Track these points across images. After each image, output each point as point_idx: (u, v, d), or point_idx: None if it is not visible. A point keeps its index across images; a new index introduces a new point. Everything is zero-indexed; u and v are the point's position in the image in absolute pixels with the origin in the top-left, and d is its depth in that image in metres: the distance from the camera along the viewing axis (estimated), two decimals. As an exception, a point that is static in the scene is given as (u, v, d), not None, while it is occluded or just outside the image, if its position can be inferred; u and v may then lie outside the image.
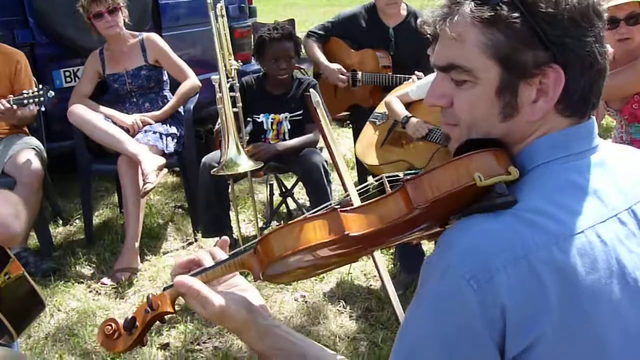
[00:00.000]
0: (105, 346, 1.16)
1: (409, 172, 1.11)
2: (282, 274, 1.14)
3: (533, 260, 0.91)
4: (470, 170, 0.98)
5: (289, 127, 3.70)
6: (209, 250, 1.20)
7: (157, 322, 1.16)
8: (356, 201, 1.21)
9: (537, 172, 1.01)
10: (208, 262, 1.16)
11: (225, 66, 3.37)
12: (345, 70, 4.16)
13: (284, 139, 3.68)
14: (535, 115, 1.01)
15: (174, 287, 1.11)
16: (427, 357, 0.96)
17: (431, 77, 3.34)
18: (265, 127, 3.69)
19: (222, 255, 1.18)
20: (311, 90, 1.55)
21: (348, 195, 1.24)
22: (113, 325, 1.15)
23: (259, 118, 3.68)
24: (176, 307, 1.15)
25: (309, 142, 3.64)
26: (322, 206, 1.13)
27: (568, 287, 0.92)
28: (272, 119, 3.69)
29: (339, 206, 1.06)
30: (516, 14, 0.97)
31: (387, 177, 1.16)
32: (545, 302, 0.91)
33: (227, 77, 3.35)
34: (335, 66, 4.16)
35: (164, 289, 1.15)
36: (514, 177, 0.98)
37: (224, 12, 3.45)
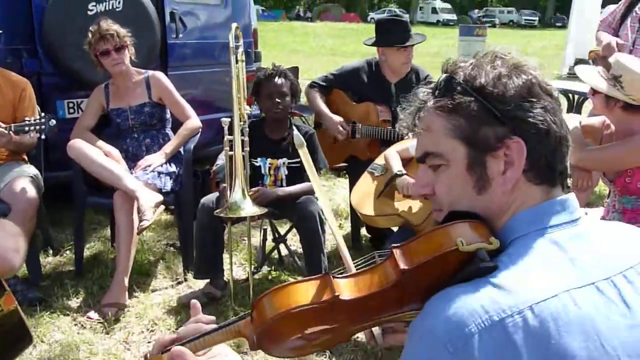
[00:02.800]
0: None
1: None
2: (276, 344, 1.15)
3: (507, 325, 0.96)
4: (453, 237, 1.05)
5: (287, 173, 3.73)
6: (197, 318, 1.29)
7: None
8: (351, 268, 1.26)
9: (515, 244, 1.09)
10: (205, 329, 1.24)
11: (240, 109, 3.42)
12: (345, 124, 4.21)
13: (282, 186, 3.71)
14: (507, 185, 1.11)
15: (170, 354, 1.20)
16: None
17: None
18: (262, 171, 3.72)
19: (213, 326, 1.25)
20: (294, 132, 1.63)
21: (344, 267, 1.30)
22: None
23: (256, 162, 3.71)
24: None
25: (310, 189, 3.67)
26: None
27: (542, 349, 0.96)
28: (269, 163, 3.72)
29: (330, 272, 1.11)
30: (470, 99, 1.11)
31: (377, 254, 1.22)
32: None
33: (240, 121, 3.40)
34: (337, 118, 4.22)
35: (162, 352, 1.21)
36: (495, 246, 1.06)
37: (243, 57, 3.51)
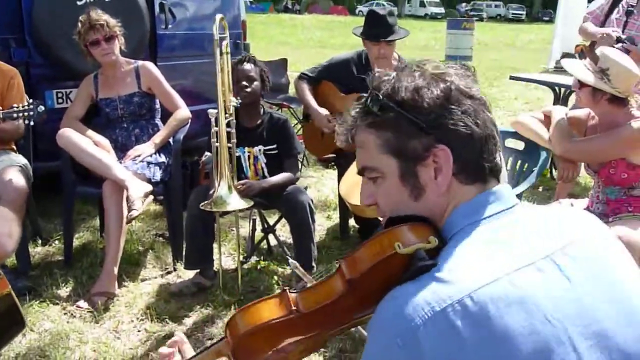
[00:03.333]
0: None
1: None
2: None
3: (448, 314, 1.02)
4: (391, 241, 1.13)
5: (265, 161, 3.76)
6: (177, 340, 1.40)
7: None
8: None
9: (454, 238, 1.16)
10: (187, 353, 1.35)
11: (225, 102, 3.43)
12: (332, 118, 4.21)
13: (264, 175, 3.73)
14: (440, 189, 1.18)
15: None
16: None
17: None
18: (243, 163, 3.74)
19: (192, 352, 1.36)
20: (290, 261, 1.77)
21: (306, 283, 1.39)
22: None
23: (236, 152, 3.72)
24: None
25: (290, 180, 3.69)
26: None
27: (485, 334, 1.02)
28: (248, 152, 3.74)
29: (287, 288, 1.23)
30: (392, 114, 1.18)
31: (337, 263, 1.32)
32: (462, 351, 1.01)
33: (225, 113, 3.40)
34: (323, 111, 4.22)
35: None
36: (433, 245, 1.13)
37: (229, 49, 3.52)
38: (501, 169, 1.23)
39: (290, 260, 1.84)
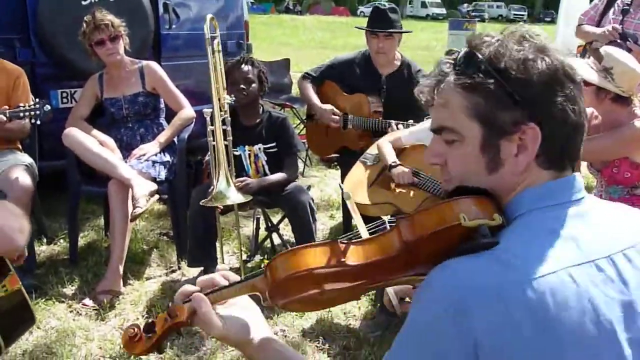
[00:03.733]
0: (126, 347, 1.29)
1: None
2: (289, 301, 1.21)
3: (506, 298, 1.00)
4: (456, 212, 1.09)
5: (266, 159, 3.78)
6: (223, 273, 1.33)
7: (174, 334, 1.27)
8: (364, 235, 1.30)
9: (519, 221, 1.12)
10: (223, 283, 1.29)
11: (219, 100, 3.45)
12: (337, 111, 4.24)
13: (265, 173, 3.75)
14: (518, 168, 1.13)
15: (192, 302, 1.24)
16: None
17: (423, 124, 3.46)
18: (243, 161, 3.76)
19: (236, 277, 1.30)
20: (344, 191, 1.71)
21: (357, 231, 1.35)
22: (135, 329, 1.27)
23: (236, 151, 3.73)
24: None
25: (288, 178, 3.72)
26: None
27: (540, 323, 1.00)
28: (248, 150, 3.77)
29: (339, 238, 1.18)
30: (491, 80, 1.10)
31: (387, 220, 1.27)
32: (517, 338, 1.00)
33: (220, 111, 3.43)
34: (328, 107, 4.25)
35: (184, 302, 1.26)
36: (497, 222, 1.09)
37: (220, 47, 3.54)
38: (579, 159, 1.19)
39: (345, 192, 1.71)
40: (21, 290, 1.73)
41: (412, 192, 3.30)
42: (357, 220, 1.37)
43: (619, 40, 3.99)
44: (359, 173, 3.60)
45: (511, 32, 1.15)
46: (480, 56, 1.11)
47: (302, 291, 1.17)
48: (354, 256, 1.13)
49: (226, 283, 1.28)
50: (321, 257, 1.13)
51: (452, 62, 1.16)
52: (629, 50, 3.92)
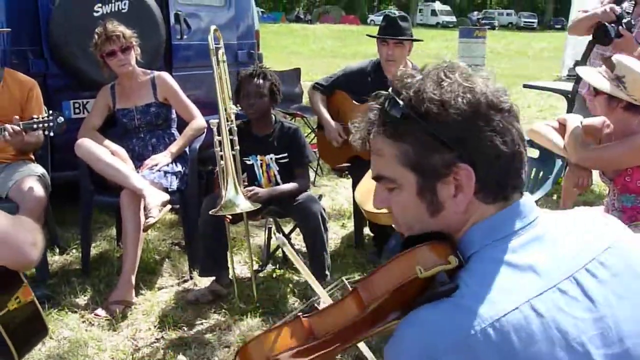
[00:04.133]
0: None
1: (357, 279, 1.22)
2: None
3: (472, 344, 0.99)
4: (412, 265, 1.09)
5: (278, 169, 3.78)
6: None
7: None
8: (327, 301, 1.32)
9: (473, 259, 1.10)
10: None
11: (225, 109, 3.46)
12: (342, 133, 4.23)
13: (277, 182, 3.76)
14: (459, 208, 1.12)
15: None
16: None
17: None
18: (256, 171, 3.77)
19: None
20: (277, 235, 1.73)
21: (318, 298, 1.35)
22: None
23: (248, 161, 3.74)
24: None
25: (299, 189, 3.71)
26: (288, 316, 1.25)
27: None
28: (260, 160, 3.77)
29: (300, 313, 1.19)
30: (414, 126, 1.10)
31: (346, 279, 1.30)
32: None
33: (227, 121, 3.44)
34: (336, 125, 4.25)
35: None
36: (453, 265, 1.09)
37: (224, 57, 3.56)
38: (524, 183, 1.17)
39: (277, 235, 1.77)
40: (34, 302, 1.74)
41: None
42: (313, 284, 1.39)
43: (612, 25, 3.94)
44: (370, 181, 3.58)
45: (429, 72, 1.13)
46: (401, 102, 1.10)
47: None
48: (320, 328, 1.15)
49: None
50: (289, 337, 1.15)
51: (379, 107, 1.15)
52: (619, 35, 3.90)
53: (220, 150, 3.40)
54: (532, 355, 0.99)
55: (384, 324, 1.18)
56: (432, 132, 1.08)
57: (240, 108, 3.71)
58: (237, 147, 3.46)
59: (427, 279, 1.07)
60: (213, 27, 3.60)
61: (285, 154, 3.79)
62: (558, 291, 1.05)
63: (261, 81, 3.71)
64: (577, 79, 4.82)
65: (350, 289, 1.17)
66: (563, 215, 1.24)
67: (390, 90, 1.15)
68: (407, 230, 1.18)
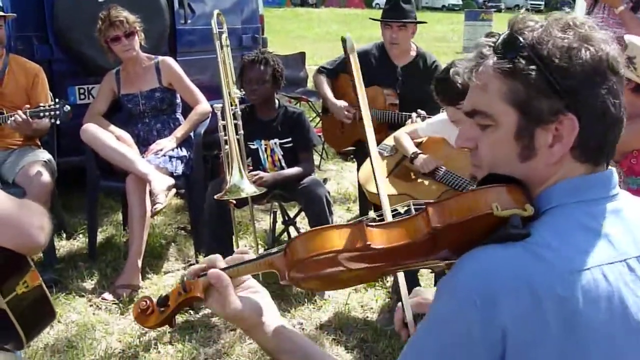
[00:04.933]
0: (138, 320, 1.28)
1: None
2: (306, 279, 1.20)
3: (537, 291, 0.98)
4: (488, 201, 1.05)
5: (282, 153, 3.80)
6: (240, 250, 1.32)
7: (187, 308, 1.25)
8: (388, 217, 1.28)
9: (551, 213, 1.08)
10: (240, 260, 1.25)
11: (229, 94, 3.47)
12: (350, 108, 4.24)
13: (281, 167, 3.77)
14: (551, 159, 1.09)
15: (208, 277, 1.20)
16: None
17: (439, 116, 3.45)
18: (260, 155, 3.78)
19: (251, 256, 1.26)
20: (347, 36, 1.59)
21: (381, 214, 1.31)
22: (148, 302, 1.26)
23: (253, 145, 3.77)
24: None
25: (303, 173, 3.73)
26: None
27: (568, 319, 0.98)
28: (264, 145, 3.79)
29: (366, 219, 1.14)
30: (532, 67, 1.06)
31: (412, 203, 1.24)
32: (545, 332, 0.98)
33: (231, 105, 3.45)
34: (342, 103, 4.25)
35: (199, 277, 1.23)
36: (529, 213, 1.06)
37: (228, 42, 3.57)
38: (614, 154, 1.15)
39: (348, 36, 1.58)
40: (42, 286, 1.75)
41: (430, 185, 3.29)
42: (383, 201, 1.35)
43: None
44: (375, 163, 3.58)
45: (556, 19, 1.10)
46: (522, 41, 1.08)
47: (322, 271, 1.15)
48: (378, 239, 1.10)
49: (244, 259, 1.25)
50: (346, 239, 1.10)
51: (493, 44, 1.12)
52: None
53: (225, 135, 3.41)
54: (591, 318, 0.99)
55: (436, 257, 1.16)
56: (549, 77, 1.05)
57: (244, 92, 3.72)
58: (242, 132, 3.47)
59: (499, 221, 1.05)
60: (216, 12, 3.61)
61: (290, 139, 3.80)
62: (627, 266, 1.05)
63: (263, 67, 3.72)
64: None
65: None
66: (638, 200, 1.22)
67: (510, 28, 1.11)
68: (489, 171, 1.14)
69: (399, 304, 1.43)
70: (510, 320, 0.98)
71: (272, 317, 1.26)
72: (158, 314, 1.26)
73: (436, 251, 1.14)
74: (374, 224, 1.13)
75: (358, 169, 4.45)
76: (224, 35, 3.54)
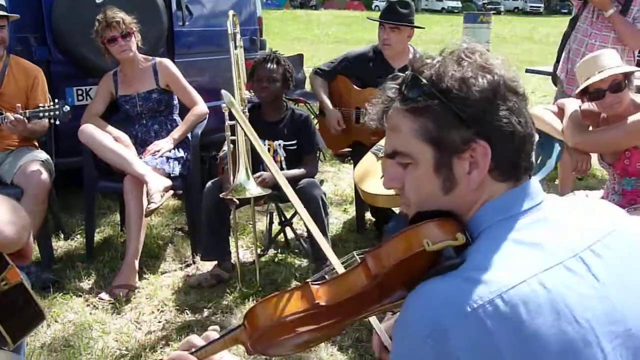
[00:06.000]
0: None
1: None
2: (271, 346, 1.26)
3: (480, 315, 1.01)
4: (419, 238, 1.11)
5: (285, 155, 3.82)
6: (205, 334, 1.37)
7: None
8: (339, 269, 1.34)
9: (482, 236, 1.13)
10: (201, 343, 1.33)
11: (240, 94, 3.51)
12: (342, 120, 4.26)
13: (282, 168, 3.79)
14: (472, 185, 1.15)
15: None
16: None
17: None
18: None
19: (215, 335, 1.34)
20: (222, 92, 1.72)
21: (331, 266, 1.38)
22: None
23: None
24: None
25: (307, 175, 3.75)
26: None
27: (516, 334, 1.01)
28: (268, 145, 3.81)
29: (310, 280, 1.21)
30: (436, 101, 1.12)
31: (357, 253, 1.30)
32: (496, 353, 1.01)
33: (240, 105, 3.48)
34: (336, 113, 4.28)
35: None
36: (460, 242, 1.11)
37: (242, 43, 3.60)
38: (533, 166, 1.20)
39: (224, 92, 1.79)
40: (23, 284, 1.71)
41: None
42: (330, 255, 1.41)
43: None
44: (369, 162, 3.61)
45: (450, 53, 1.17)
46: (423, 79, 1.14)
47: (282, 337, 1.21)
48: (327, 296, 1.17)
49: (204, 343, 1.32)
50: (296, 302, 1.17)
51: (397, 86, 1.18)
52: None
53: (232, 135, 3.43)
54: (539, 327, 1.01)
55: (390, 300, 1.20)
56: (452, 109, 1.11)
57: (253, 93, 3.75)
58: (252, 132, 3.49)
59: (434, 255, 1.09)
60: (231, 12, 3.65)
61: (294, 141, 3.82)
62: (564, 268, 1.08)
63: (274, 66, 3.76)
64: (557, 60, 4.85)
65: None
66: (565, 200, 1.27)
67: (410, 69, 1.18)
68: (417, 209, 1.20)
69: (374, 330, 1.47)
70: (462, 349, 1.01)
71: None
72: None
73: (387, 295, 1.19)
74: (318, 282, 1.19)
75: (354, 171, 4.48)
76: (238, 36, 3.58)
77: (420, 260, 1.11)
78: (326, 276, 1.26)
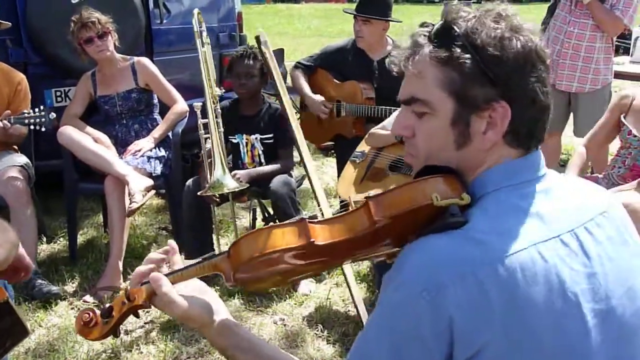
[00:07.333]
0: (81, 333, 1.26)
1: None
2: (252, 279, 1.22)
3: (479, 276, 1.02)
4: (427, 192, 1.10)
5: (262, 149, 3.82)
6: (164, 249, 1.32)
7: (132, 316, 1.25)
8: (327, 214, 1.30)
9: (486, 199, 1.13)
10: (179, 264, 1.28)
11: (211, 92, 3.49)
12: (327, 103, 4.26)
13: (260, 162, 3.79)
14: (485, 145, 1.14)
15: (150, 283, 1.21)
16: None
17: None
18: (241, 149, 3.80)
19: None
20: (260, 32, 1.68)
21: (320, 209, 1.34)
22: (91, 314, 1.24)
23: (234, 139, 3.80)
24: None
25: (281, 169, 3.75)
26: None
27: (510, 299, 1.03)
28: (245, 139, 3.80)
29: (307, 217, 1.17)
30: (467, 55, 1.10)
31: (354, 200, 1.26)
32: (489, 314, 1.02)
33: (213, 103, 3.47)
34: (318, 98, 4.28)
35: (142, 284, 1.23)
36: (466, 202, 1.10)
37: (208, 40, 3.59)
38: (543, 139, 1.20)
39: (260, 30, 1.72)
40: (9, 303, 1.66)
41: (398, 178, 3.32)
42: (320, 198, 1.37)
43: None
44: (349, 173, 3.61)
45: (488, 10, 1.16)
46: (456, 30, 1.12)
47: (267, 269, 1.17)
48: (322, 236, 1.13)
49: (162, 256, 1.27)
50: (289, 238, 1.13)
51: (428, 34, 1.16)
52: None
53: (205, 133, 3.42)
54: (531, 296, 1.03)
55: (385, 246, 1.18)
56: (482, 65, 1.10)
57: (223, 90, 3.74)
58: (222, 130, 3.48)
59: (438, 211, 1.08)
60: (196, 11, 3.64)
61: (271, 135, 3.82)
62: (560, 242, 1.10)
63: (251, 62, 3.76)
64: None
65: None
66: (566, 178, 1.28)
67: (444, 18, 1.15)
68: (424, 161, 1.19)
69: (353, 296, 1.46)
70: (455, 307, 1.02)
71: (222, 316, 1.28)
72: (102, 325, 1.25)
73: (378, 243, 1.17)
74: (315, 220, 1.15)
75: (338, 164, 4.48)
76: (205, 34, 3.57)
77: (423, 214, 1.10)
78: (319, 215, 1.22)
